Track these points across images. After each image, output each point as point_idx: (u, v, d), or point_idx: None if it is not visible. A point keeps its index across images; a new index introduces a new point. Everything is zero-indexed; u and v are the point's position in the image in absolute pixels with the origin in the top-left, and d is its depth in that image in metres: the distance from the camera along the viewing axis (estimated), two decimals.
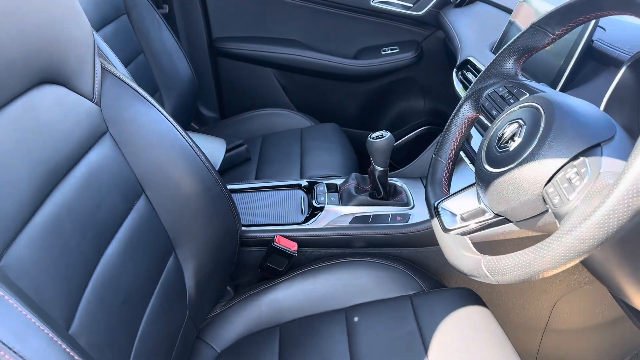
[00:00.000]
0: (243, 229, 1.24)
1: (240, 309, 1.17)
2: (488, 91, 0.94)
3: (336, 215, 1.28)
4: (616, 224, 0.56)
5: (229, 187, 1.41)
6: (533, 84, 0.88)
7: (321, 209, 1.30)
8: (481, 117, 0.96)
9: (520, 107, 0.80)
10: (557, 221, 0.69)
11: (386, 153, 1.25)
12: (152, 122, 0.99)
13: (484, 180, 0.80)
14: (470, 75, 1.35)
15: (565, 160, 0.68)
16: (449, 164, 0.97)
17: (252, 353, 1.07)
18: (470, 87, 0.98)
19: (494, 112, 0.90)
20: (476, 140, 1.32)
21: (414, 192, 1.36)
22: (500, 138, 0.79)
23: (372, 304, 1.12)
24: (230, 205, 1.10)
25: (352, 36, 2.11)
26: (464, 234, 0.83)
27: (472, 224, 0.83)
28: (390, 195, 1.33)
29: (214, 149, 1.33)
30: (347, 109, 2.20)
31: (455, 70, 1.45)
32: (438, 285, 1.18)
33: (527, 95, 0.86)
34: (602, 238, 0.57)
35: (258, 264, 1.25)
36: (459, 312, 1.06)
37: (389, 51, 2.08)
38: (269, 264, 1.21)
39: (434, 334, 1.02)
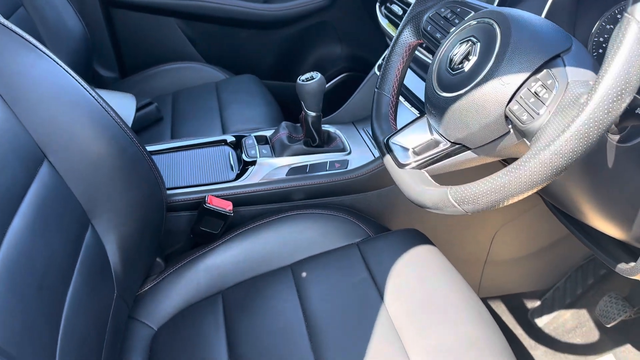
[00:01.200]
0: (168, 192, 1.11)
1: (175, 280, 1.05)
2: (428, 14, 0.87)
3: (271, 168, 1.18)
4: (596, 133, 0.52)
5: (149, 148, 1.27)
6: (475, 1, 0.82)
7: (253, 162, 1.19)
8: (424, 42, 0.89)
9: (470, 25, 0.74)
10: (525, 140, 0.64)
11: (318, 96, 1.15)
12: (47, 75, 0.83)
13: (437, 108, 0.74)
14: (395, 8, 1.28)
15: (527, 74, 0.63)
16: (393, 96, 0.90)
17: (195, 325, 0.97)
18: (408, 11, 0.90)
19: (438, 36, 0.83)
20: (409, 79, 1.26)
21: (349, 137, 1.29)
22: (451, 60, 0.73)
23: (319, 257, 1.05)
24: (150, 167, 0.97)
25: None
26: (420, 167, 0.77)
27: (428, 156, 0.77)
28: (325, 142, 1.25)
29: (122, 106, 1.16)
30: (261, 59, 2.07)
31: (378, 4, 1.37)
32: (383, 230, 1.13)
33: (472, 13, 0.79)
34: (582, 150, 0.53)
35: (189, 229, 1.13)
36: (407, 253, 1.03)
37: None
38: (203, 228, 1.09)
39: (387, 278, 0.98)
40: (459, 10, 0.82)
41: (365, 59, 2.08)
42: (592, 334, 1.37)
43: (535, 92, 0.62)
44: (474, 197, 0.63)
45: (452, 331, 0.88)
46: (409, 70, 1.34)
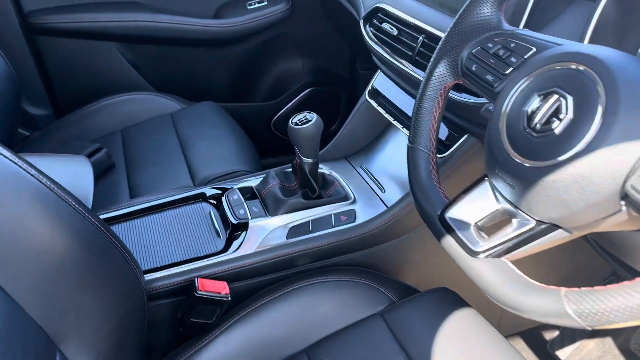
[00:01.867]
0: (146, 278, 0.90)
1: None
2: (469, 49, 0.70)
3: (266, 232, 0.98)
4: None
5: (100, 216, 1.04)
6: (533, 34, 0.67)
7: (244, 226, 0.99)
8: (465, 83, 0.72)
9: (547, 71, 0.58)
10: None
11: (316, 141, 0.97)
12: None
13: (517, 178, 0.57)
14: (386, 26, 1.11)
15: None
16: (432, 152, 0.73)
17: None
18: (440, 44, 0.73)
19: (490, 78, 0.67)
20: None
21: (347, 179, 1.11)
22: (530, 117, 0.57)
23: (338, 335, 0.88)
24: (125, 257, 0.75)
25: None
26: (499, 255, 0.61)
27: (506, 239, 0.60)
28: (321, 187, 1.07)
29: (74, 175, 0.91)
30: (217, 80, 1.84)
31: (362, 22, 1.19)
32: (407, 290, 0.96)
33: (534, 50, 0.64)
34: None
35: (176, 321, 0.91)
36: (441, 319, 0.88)
37: (256, 5, 1.75)
38: (195, 319, 0.88)
39: (421, 352, 0.82)
40: (513, 45, 0.66)
41: (330, 71, 1.92)
42: None
43: None
44: (611, 314, 0.47)
45: None
46: (385, 79, 1.19)
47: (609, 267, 1.29)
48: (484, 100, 0.84)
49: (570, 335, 1.33)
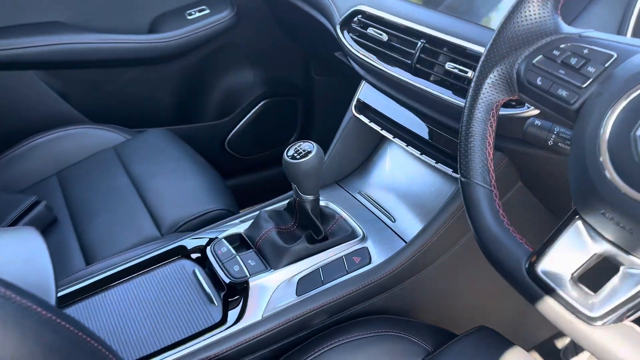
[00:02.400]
0: None
1: None
2: (528, 59, 0.58)
3: (271, 291, 0.81)
4: None
5: (63, 292, 0.84)
6: (604, 35, 0.55)
7: (243, 287, 0.81)
8: (523, 99, 0.59)
9: None
10: None
11: (318, 175, 0.82)
12: None
13: (635, 219, 0.45)
14: (372, 31, 0.96)
15: None
16: (494, 186, 0.60)
17: None
18: (484, 56, 0.60)
19: (564, 94, 0.54)
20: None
21: (348, 210, 0.96)
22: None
23: None
24: (96, 350, 0.56)
25: (139, 1, 1.53)
26: (620, 319, 0.48)
27: (627, 298, 0.48)
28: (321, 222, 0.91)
29: (25, 257, 0.69)
30: (160, 102, 1.64)
31: (339, 27, 1.05)
32: (442, 336, 0.83)
33: (615, 56, 0.52)
34: None
35: None
36: None
37: (197, 14, 1.56)
38: None
39: None
40: (586, 52, 0.54)
41: (283, 80, 1.78)
42: None
43: None
44: None
45: None
46: (371, 90, 1.05)
47: None
48: (521, 110, 0.72)
49: None
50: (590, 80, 0.52)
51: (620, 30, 0.71)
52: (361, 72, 1.05)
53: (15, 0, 1.39)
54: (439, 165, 0.90)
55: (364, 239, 0.90)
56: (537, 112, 0.73)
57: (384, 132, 1.00)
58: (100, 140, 1.38)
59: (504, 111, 0.73)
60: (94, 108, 1.51)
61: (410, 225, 0.92)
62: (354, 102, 1.07)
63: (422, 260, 0.87)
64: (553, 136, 0.60)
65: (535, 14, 0.58)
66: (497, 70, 0.60)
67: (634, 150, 0.45)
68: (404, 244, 0.89)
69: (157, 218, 1.10)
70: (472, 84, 0.61)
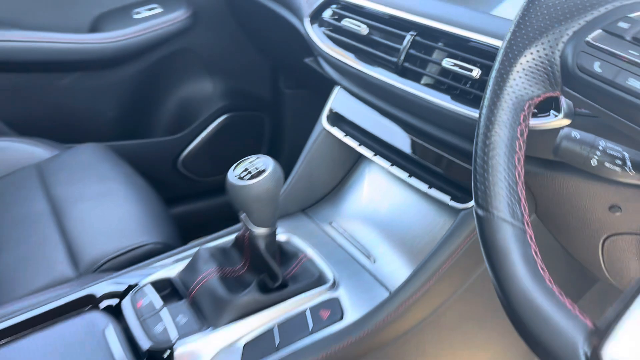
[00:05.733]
0: None
1: None
2: (579, 36, 0.39)
3: (208, 358, 0.60)
4: None
5: None
6: None
7: (168, 356, 0.59)
8: (570, 95, 0.40)
9: None
10: None
11: (275, 200, 0.61)
12: None
13: None
14: (349, 23, 0.77)
15: None
16: (527, 224, 0.40)
17: None
18: (510, 33, 0.42)
19: (638, 85, 0.35)
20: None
21: (318, 248, 0.75)
22: None
23: None
24: None
25: None
26: None
27: None
28: (280, 264, 0.70)
29: None
30: (101, 113, 1.45)
31: (308, 19, 0.86)
32: None
33: None
34: None
35: None
36: None
37: (146, 13, 1.40)
38: None
39: None
40: None
41: (247, 92, 1.61)
42: None
43: None
44: None
45: None
46: (346, 97, 0.86)
47: None
48: (550, 120, 0.54)
49: None
50: None
51: None
52: (335, 75, 0.86)
53: None
54: (433, 191, 0.70)
55: (334, 286, 0.69)
56: (568, 122, 0.54)
57: (361, 149, 0.81)
58: (21, 155, 1.21)
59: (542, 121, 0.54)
60: (17, 117, 1.33)
61: (395, 268, 0.72)
62: (325, 112, 0.88)
63: (412, 316, 0.66)
64: (598, 153, 0.43)
65: None
66: (532, 53, 0.41)
67: None
68: (387, 293, 0.68)
69: (75, 253, 0.89)
70: (493, 75, 0.42)
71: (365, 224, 0.81)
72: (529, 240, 0.39)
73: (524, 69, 0.41)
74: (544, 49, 0.41)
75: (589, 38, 0.39)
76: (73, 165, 1.12)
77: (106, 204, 0.99)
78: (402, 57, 0.70)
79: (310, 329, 0.64)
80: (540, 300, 0.37)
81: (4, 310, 0.73)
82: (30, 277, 0.85)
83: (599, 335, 0.34)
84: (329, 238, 0.80)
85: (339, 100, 0.87)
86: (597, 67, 0.38)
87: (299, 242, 0.76)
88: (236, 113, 1.58)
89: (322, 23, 0.84)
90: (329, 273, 0.70)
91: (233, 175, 0.61)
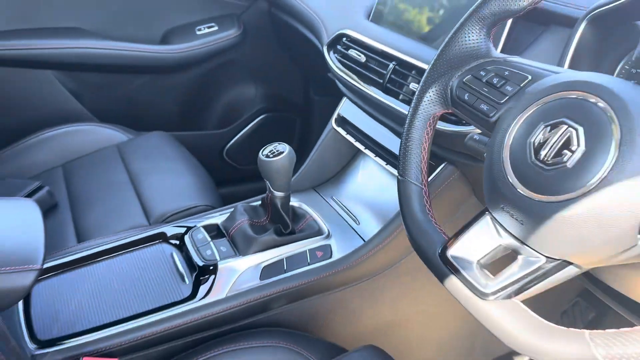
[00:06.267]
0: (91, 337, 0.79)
1: None
2: (460, 77, 0.67)
3: (237, 274, 0.90)
4: None
5: (46, 264, 0.92)
6: (526, 62, 0.65)
7: (212, 269, 0.91)
8: (455, 113, 0.69)
9: (551, 101, 0.56)
10: None
11: (289, 173, 0.91)
12: None
13: (526, 213, 0.54)
14: (353, 53, 1.07)
15: None
16: (424, 185, 0.69)
17: None
18: (427, 72, 0.70)
19: (485, 108, 0.64)
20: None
21: (319, 212, 1.05)
22: (538, 148, 0.54)
23: None
24: None
25: (154, 14, 1.65)
26: (509, 295, 0.57)
27: (516, 279, 0.56)
28: (292, 220, 1.00)
29: (21, 222, 0.80)
30: (166, 108, 1.75)
31: (326, 48, 1.16)
32: (333, 350, 0.87)
33: (529, 78, 0.61)
34: None
35: None
36: None
37: (206, 30, 1.68)
38: None
39: None
40: (507, 73, 0.63)
41: (284, 98, 1.89)
42: None
43: None
44: None
45: None
46: (352, 106, 1.15)
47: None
48: (466, 128, 0.82)
49: None
50: (507, 97, 0.62)
51: (560, 61, 0.80)
52: (343, 89, 1.15)
53: (39, 5, 1.52)
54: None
55: (328, 236, 0.99)
56: (479, 131, 0.82)
57: (357, 144, 1.10)
58: (105, 138, 1.49)
59: (451, 127, 0.83)
60: (102, 108, 1.62)
61: (372, 228, 1.00)
62: (335, 116, 1.17)
63: (378, 260, 0.95)
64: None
65: (471, 40, 0.68)
66: (435, 87, 0.69)
67: (528, 154, 0.54)
68: (363, 242, 0.97)
69: (147, 210, 1.19)
70: (415, 98, 0.71)
71: (356, 199, 1.10)
72: (424, 194, 0.68)
73: (430, 96, 0.70)
74: (442, 84, 0.69)
75: (464, 80, 0.67)
76: (145, 147, 1.43)
77: (170, 176, 1.29)
78: (386, 80, 0.98)
79: (308, 262, 0.94)
80: (423, 224, 0.65)
81: (102, 240, 1.05)
82: (115, 224, 1.14)
83: (449, 242, 0.62)
84: (329, 207, 1.09)
85: (345, 108, 1.17)
86: (466, 96, 0.66)
87: (307, 208, 1.06)
88: (272, 114, 1.85)
89: (335, 50, 1.14)
90: (325, 228, 1.00)
91: (262, 154, 0.91)
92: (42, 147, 1.45)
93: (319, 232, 0.99)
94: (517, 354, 1.34)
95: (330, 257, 0.95)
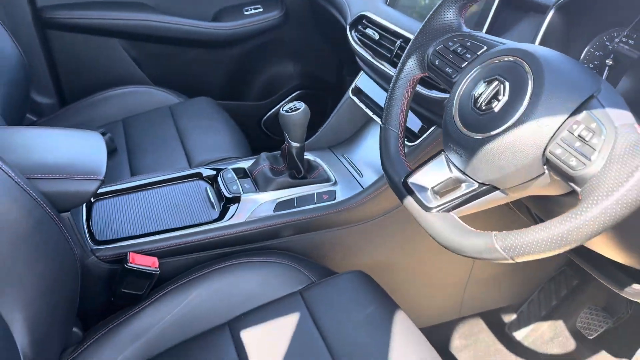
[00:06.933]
0: (137, 241, 1.02)
1: (95, 353, 0.92)
2: (434, 47, 0.84)
3: (256, 204, 1.11)
4: None
5: (102, 189, 1.14)
6: (486, 36, 0.81)
7: (236, 199, 1.11)
8: (430, 75, 0.86)
9: (492, 63, 0.72)
10: (573, 184, 0.62)
11: (303, 127, 1.10)
12: None
13: (465, 148, 0.71)
14: (370, 31, 1.25)
15: (566, 115, 0.62)
16: (400, 132, 0.87)
17: None
18: (411, 42, 0.87)
19: (449, 70, 0.81)
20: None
21: (330, 165, 1.24)
22: (476, 99, 0.70)
23: (259, 310, 0.96)
24: (60, 229, 0.81)
25: None
26: (447, 210, 0.74)
27: (455, 198, 0.74)
28: (307, 171, 1.20)
29: (89, 146, 1.04)
30: (212, 79, 1.97)
31: (348, 27, 1.34)
32: (327, 273, 1.06)
33: (485, 48, 0.78)
34: None
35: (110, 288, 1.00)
36: (352, 296, 0.97)
37: (252, 11, 1.89)
38: (125, 290, 0.97)
39: (331, 325, 0.92)
40: (469, 44, 0.80)
41: (318, 76, 2.06)
42: (569, 344, 1.41)
43: (580, 136, 0.60)
44: (527, 246, 0.60)
45: None
46: (367, 79, 1.33)
47: None
48: (447, 95, 0.98)
49: (526, 318, 1.47)
50: (466, 63, 0.78)
51: (533, 40, 0.95)
52: (360, 64, 1.33)
53: None
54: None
55: (334, 184, 1.18)
56: None
57: (368, 111, 1.28)
58: (159, 99, 1.72)
59: (437, 94, 1.00)
60: (158, 74, 1.85)
61: (372, 179, 1.18)
62: (352, 86, 1.35)
63: (375, 206, 1.13)
64: None
65: (446, 17, 0.84)
66: (416, 54, 0.87)
67: (469, 103, 0.71)
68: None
69: (190, 157, 1.41)
70: (399, 63, 0.88)
71: (363, 157, 1.28)
72: (399, 138, 0.86)
73: (411, 62, 0.87)
74: (421, 52, 0.86)
75: (437, 49, 0.84)
76: (192, 110, 1.63)
77: (211, 134, 1.50)
78: (394, 54, 1.15)
79: (315, 202, 1.13)
80: (394, 159, 0.83)
81: (150, 174, 1.27)
82: (164, 167, 1.37)
83: (411, 173, 0.80)
84: (340, 162, 1.28)
85: (361, 80, 1.35)
86: (437, 62, 0.83)
87: (321, 162, 1.25)
88: (307, 90, 2.03)
89: (356, 30, 1.32)
90: (332, 177, 1.19)
91: (282, 110, 1.10)
92: (106, 103, 1.69)
93: (327, 180, 1.18)
94: (503, 311, 1.49)
95: (334, 199, 1.14)
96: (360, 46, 1.27)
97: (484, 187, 0.72)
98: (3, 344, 0.71)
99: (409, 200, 0.78)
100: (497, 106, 0.68)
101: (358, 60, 1.34)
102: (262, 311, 0.95)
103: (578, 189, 0.61)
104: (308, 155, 1.25)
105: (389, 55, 1.16)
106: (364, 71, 1.34)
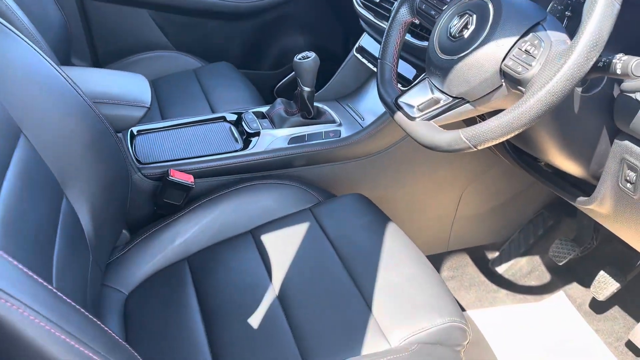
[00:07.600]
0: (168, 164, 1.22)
1: (142, 250, 1.11)
2: None
3: (273, 138, 1.31)
4: (578, 75, 0.70)
5: (144, 127, 1.35)
6: None
7: (256, 134, 1.31)
8: (418, 19, 1.06)
9: (464, 2, 0.91)
10: (520, 87, 0.81)
11: (313, 73, 1.30)
12: (22, 58, 0.88)
13: (441, 69, 0.90)
14: None
15: (517, 37, 0.81)
16: (394, 65, 1.06)
17: (165, 287, 1.05)
18: None
19: (433, 13, 1.00)
20: None
21: (336, 112, 1.44)
22: (451, 30, 0.90)
23: (276, 221, 1.15)
24: (116, 142, 1.03)
25: None
26: (428, 119, 0.94)
27: (433, 110, 0.93)
28: (316, 115, 1.40)
29: (136, 82, 1.25)
30: (230, 48, 2.15)
31: None
32: (331, 195, 1.27)
33: None
34: (569, 88, 0.71)
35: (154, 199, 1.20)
36: (353, 212, 1.16)
37: None
38: (166, 200, 1.17)
39: (338, 233, 1.10)
40: None
41: (325, 48, 2.25)
42: (544, 276, 1.60)
43: (526, 50, 0.80)
44: (484, 133, 0.80)
45: (395, 272, 1.02)
46: (370, 39, 1.52)
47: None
48: None
49: (507, 254, 1.66)
50: (446, 6, 0.98)
51: None
52: (364, 25, 1.53)
53: None
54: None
55: (340, 125, 1.38)
56: None
57: (370, 66, 1.47)
58: (183, 63, 1.93)
59: (426, 44, 1.19)
60: (182, 42, 2.05)
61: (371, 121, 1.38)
62: (356, 45, 1.55)
63: (375, 142, 1.33)
64: None
65: None
66: (407, 2, 1.06)
67: (446, 33, 0.91)
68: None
69: (213, 109, 1.62)
70: (393, 10, 1.08)
71: (366, 106, 1.48)
72: (393, 70, 1.05)
73: (403, 9, 1.06)
74: (410, 2, 1.05)
75: None
76: (214, 72, 1.83)
77: (232, 90, 1.70)
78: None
79: (322, 138, 1.33)
80: (388, 85, 1.03)
81: (179, 119, 1.47)
82: (192, 115, 1.60)
83: (400, 94, 0.99)
84: (345, 110, 1.48)
85: (364, 40, 1.55)
86: (423, 7, 1.02)
87: (328, 109, 1.45)
88: None
89: None
90: (338, 120, 1.39)
91: (296, 58, 1.30)
92: (136, 65, 1.90)
93: (333, 121, 1.38)
94: (487, 248, 1.69)
95: (339, 137, 1.34)
96: (362, 8, 1.47)
97: (457, 100, 0.91)
98: (76, 226, 0.92)
99: (399, 115, 0.97)
100: (466, 34, 0.87)
101: (361, 21, 1.54)
102: (279, 222, 1.15)
103: (523, 89, 0.80)
104: (317, 104, 1.45)
105: (388, 15, 1.35)
106: (367, 32, 1.53)
